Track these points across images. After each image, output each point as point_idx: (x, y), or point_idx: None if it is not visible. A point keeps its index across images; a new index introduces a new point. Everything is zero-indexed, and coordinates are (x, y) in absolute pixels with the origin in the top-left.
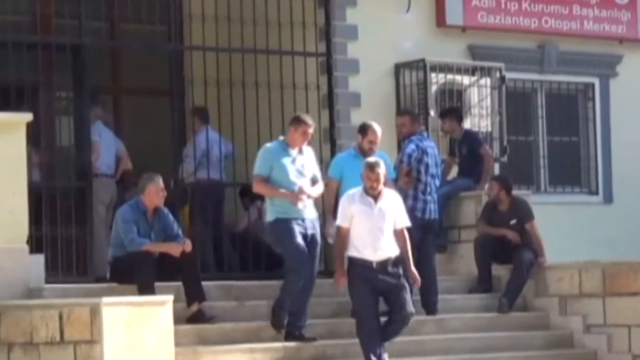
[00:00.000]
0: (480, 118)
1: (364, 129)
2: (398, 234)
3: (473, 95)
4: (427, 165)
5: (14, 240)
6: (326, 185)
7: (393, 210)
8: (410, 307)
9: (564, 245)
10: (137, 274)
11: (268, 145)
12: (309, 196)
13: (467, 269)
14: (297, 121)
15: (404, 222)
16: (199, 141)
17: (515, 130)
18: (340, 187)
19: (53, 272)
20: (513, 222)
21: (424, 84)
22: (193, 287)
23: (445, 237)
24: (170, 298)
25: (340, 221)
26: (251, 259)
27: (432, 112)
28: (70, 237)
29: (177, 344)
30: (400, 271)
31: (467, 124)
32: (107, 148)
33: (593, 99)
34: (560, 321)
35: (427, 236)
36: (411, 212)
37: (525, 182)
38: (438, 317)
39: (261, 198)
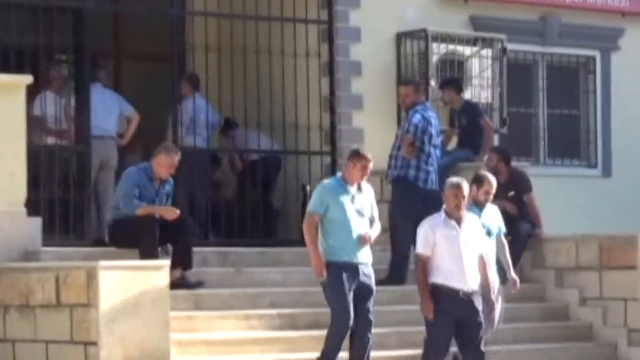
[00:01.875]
0: (480, 89)
1: (480, 180)
2: (478, 260)
3: (474, 66)
4: (430, 136)
5: (12, 202)
6: None
7: (476, 234)
8: (483, 347)
9: (562, 218)
10: (140, 238)
11: (325, 182)
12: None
13: None
14: (357, 156)
15: (484, 248)
16: (190, 108)
17: (515, 102)
18: None
19: (50, 235)
20: (511, 193)
21: (425, 54)
22: (182, 253)
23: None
24: (166, 263)
25: (421, 249)
26: (250, 225)
27: (432, 83)
28: (68, 201)
29: (173, 308)
30: (480, 304)
31: (467, 95)
32: (100, 110)
33: (594, 72)
34: (556, 293)
35: (427, 206)
36: (414, 181)
37: (524, 154)
38: None
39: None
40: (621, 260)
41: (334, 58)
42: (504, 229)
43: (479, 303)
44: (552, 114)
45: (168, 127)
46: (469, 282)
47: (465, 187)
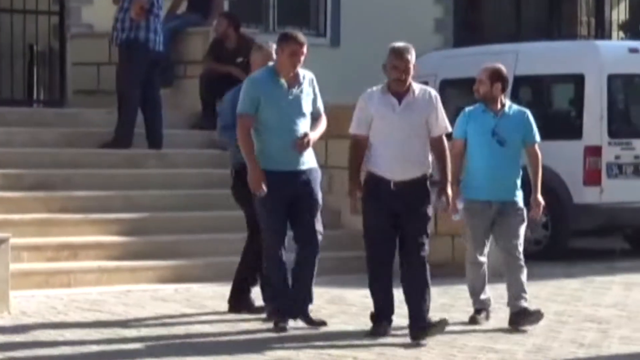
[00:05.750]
0: None
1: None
2: (434, 144)
3: None
4: None
5: None
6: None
7: (424, 112)
8: (425, 252)
9: None
10: None
11: (253, 75)
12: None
13: (191, 105)
14: (284, 39)
15: (443, 127)
16: None
17: None
18: (465, 146)
19: None
20: (240, 59)
21: None
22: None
23: (171, 71)
24: None
25: (354, 128)
26: None
27: None
28: None
29: None
30: (425, 193)
31: None
32: None
33: None
34: None
35: (154, 69)
36: (145, 43)
37: (254, 20)
38: (162, 151)
39: None
40: (347, 129)
41: None
42: (537, 137)
43: (422, 192)
44: None
45: None
46: (406, 171)
47: (411, 57)
